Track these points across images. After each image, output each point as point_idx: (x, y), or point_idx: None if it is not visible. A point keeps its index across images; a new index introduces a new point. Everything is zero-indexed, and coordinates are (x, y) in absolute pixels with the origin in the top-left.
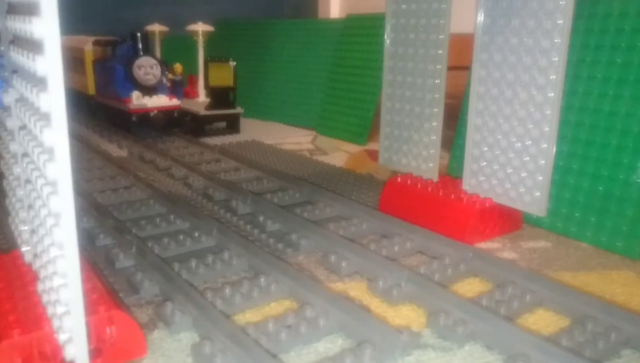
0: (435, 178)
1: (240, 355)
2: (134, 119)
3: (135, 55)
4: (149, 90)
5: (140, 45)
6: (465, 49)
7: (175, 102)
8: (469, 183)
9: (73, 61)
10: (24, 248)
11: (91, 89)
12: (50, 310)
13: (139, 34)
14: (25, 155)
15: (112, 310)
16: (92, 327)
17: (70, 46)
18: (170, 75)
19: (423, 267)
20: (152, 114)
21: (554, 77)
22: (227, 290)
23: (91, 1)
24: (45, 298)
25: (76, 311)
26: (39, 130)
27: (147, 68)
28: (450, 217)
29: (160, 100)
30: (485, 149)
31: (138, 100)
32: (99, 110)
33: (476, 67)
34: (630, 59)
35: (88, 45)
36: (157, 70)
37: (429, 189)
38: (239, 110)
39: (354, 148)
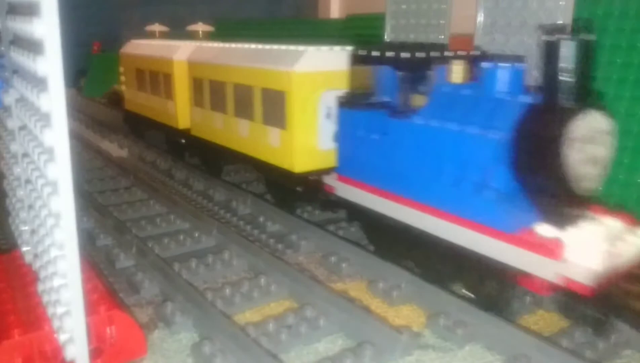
0: None
1: (240, 355)
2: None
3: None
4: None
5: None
6: (465, 49)
7: None
8: None
9: (240, 95)
10: (24, 249)
11: (299, 163)
12: (50, 310)
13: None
14: (25, 155)
15: (113, 310)
16: (92, 327)
17: (239, 68)
18: None
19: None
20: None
21: None
22: (228, 291)
23: (90, 1)
24: (45, 298)
25: (76, 311)
26: (39, 130)
27: (595, 141)
28: None
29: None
30: None
31: (604, 250)
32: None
33: None
34: (631, 59)
35: (305, 64)
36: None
37: None
38: None
39: None
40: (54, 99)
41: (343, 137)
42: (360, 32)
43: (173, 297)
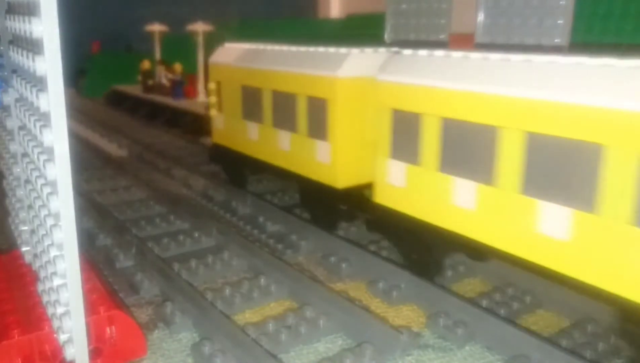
0: None
1: (240, 355)
2: None
3: None
4: None
5: None
6: (466, 49)
7: None
8: None
9: (554, 157)
10: (24, 249)
11: None
12: (50, 311)
13: None
14: (24, 155)
15: (112, 311)
16: (92, 327)
17: None
18: (170, 75)
19: None
20: None
21: None
22: (227, 291)
23: (90, 1)
24: (45, 298)
25: (76, 311)
26: (38, 130)
27: None
28: None
29: None
30: None
31: None
32: None
33: None
34: None
35: None
36: None
37: None
38: None
39: None
40: (53, 99)
41: None
42: (360, 32)
43: (173, 297)
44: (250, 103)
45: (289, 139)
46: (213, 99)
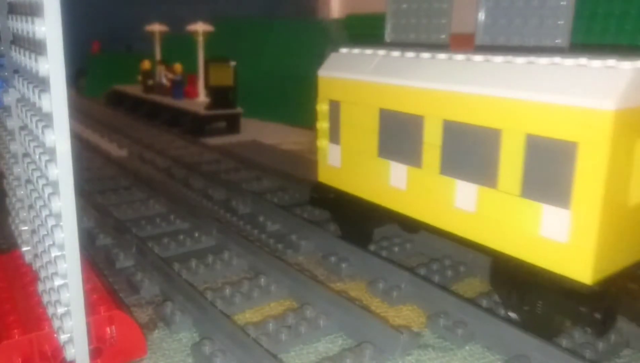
0: None
1: (240, 355)
2: None
3: None
4: None
5: None
6: (467, 49)
7: None
8: None
9: None
10: (24, 249)
11: None
12: (50, 311)
13: None
14: (25, 155)
15: (113, 311)
16: (92, 327)
17: None
18: (170, 75)
19: (423, 269)
20: None
21: None
22: (227, 290)
23: (90, 1)
24: (45, 298)
25: (77, 311)
26: (40, 130)
27: None
28: None
29: None
30: None
31: None
32: None
33: None
34: None
35: None
36: None
37: None
38: (239, 110)
39: None
40: (56, 99)
41: None
42: (360, 32)
43: (173, 297)
44: (396, 135)
45: (474, 195)
46: (324, 125)
